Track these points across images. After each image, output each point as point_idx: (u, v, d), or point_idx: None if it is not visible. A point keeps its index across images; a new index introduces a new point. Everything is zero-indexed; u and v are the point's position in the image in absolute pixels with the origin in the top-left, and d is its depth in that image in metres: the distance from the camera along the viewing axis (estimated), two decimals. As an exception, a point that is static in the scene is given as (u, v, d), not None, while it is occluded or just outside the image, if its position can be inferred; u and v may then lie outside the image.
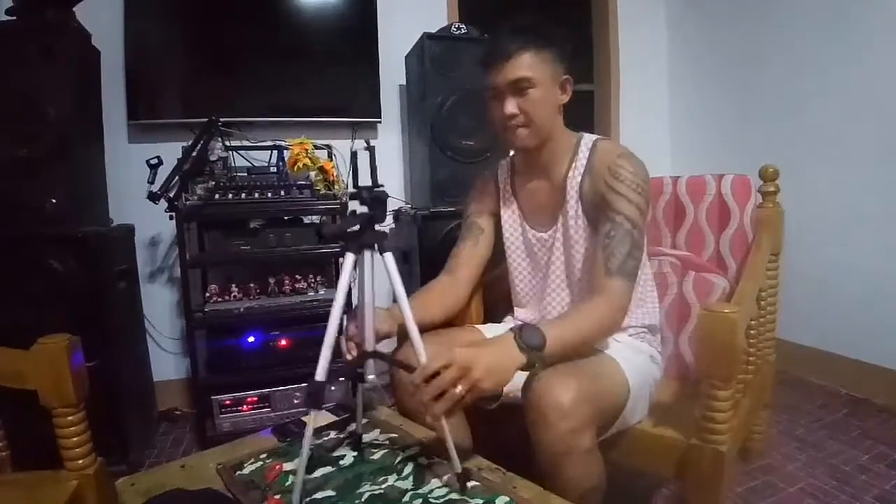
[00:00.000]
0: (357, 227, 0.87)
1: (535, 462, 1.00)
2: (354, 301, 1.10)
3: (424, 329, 1.03)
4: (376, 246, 0.89)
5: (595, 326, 1.09)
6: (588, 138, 1.28)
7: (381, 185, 0.91)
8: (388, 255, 0.89)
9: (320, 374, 0.83)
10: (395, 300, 0.93)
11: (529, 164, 1.33)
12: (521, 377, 1.28)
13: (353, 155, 0.93)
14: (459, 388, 0.86)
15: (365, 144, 0.90)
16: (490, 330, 1.42)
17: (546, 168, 1.29)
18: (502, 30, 1.20)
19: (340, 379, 1.84)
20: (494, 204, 1.43)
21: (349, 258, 0.86)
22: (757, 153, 2.05)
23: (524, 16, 1.22)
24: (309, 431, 0.84)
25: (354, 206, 0.94)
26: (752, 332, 1.34)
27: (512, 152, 1.40)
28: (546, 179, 1.30)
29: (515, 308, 1.46)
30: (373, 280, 0.94)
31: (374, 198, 0.88)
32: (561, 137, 1.27)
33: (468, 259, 1.41)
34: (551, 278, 1.33)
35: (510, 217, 1.39)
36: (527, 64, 1.16)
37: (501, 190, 1.41)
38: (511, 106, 1.18)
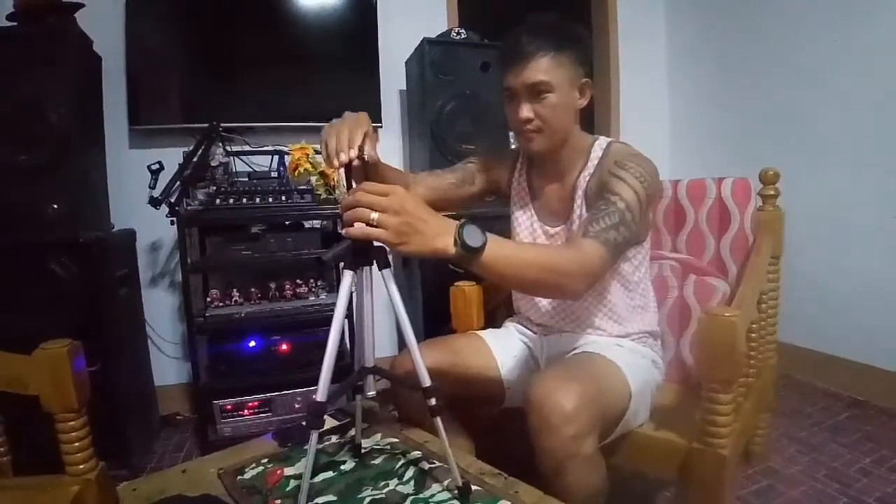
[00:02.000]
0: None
1: (537, 467, 1.00)
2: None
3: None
4: (375, 262, 0.87)
5: (547, 265, 0.99)
6: (603, 140, 1.26)
7: None
8: (387, 271, 0.87)
9: (321, 394, 0.81)
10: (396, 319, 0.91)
11: (544, 167, 1.31)
12: (513, 381, 1.29)
13: (347, 166, 0.91)
14: (374, 216, 0.80)
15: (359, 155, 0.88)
16: (492, 336, 1.42)
17: (561, 172, 1.28)
18: (522, 28, 1.16)
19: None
20: (501, 179, 1.41)
21: (347, 275, 0.85)
22: (757, 156, 2.06)
23: (545, 14, 1.18)
24: (311, 452, 0.83)
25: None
26: (752, 335, 1.34)
27: None
28: (559, 182, 1.29)
29: (517, 311, 1.46)
30: (372, 296, 0.94)
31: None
32: (576, 141, 1.25)
33: (439, 185, 1.36)
34: None
35: (523, 213, 1.37)
36: (545, 68, 1.12)
37: (516, 180, 1.39)
38: (526, 110, 1.16)
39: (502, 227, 1.37)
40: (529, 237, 1.36)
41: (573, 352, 1.25)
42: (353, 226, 0.81)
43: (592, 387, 1.03)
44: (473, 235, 0.87)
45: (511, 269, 0.94)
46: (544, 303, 1.36)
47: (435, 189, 1.33)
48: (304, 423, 0.87)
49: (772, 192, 1.55)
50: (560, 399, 0.96)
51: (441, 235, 0.86)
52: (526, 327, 1.43)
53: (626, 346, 1.27)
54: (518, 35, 1.16)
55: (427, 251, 0.85)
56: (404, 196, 0.83)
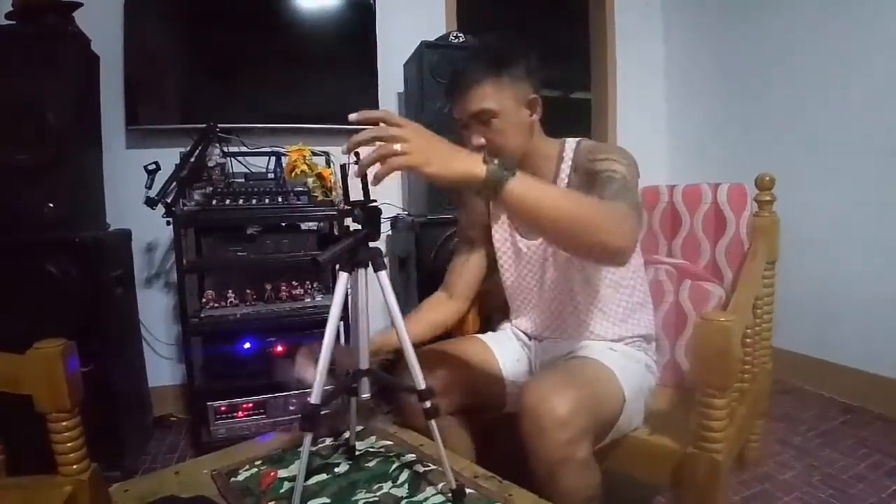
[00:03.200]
0: (352, 248, 0.85)
1: (531, 472, 1.00)
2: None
3: (417, 346, 0.96)
4: (370, 264, 0.87)
5: (588, 205, 0.95)
6: (572, 141, 1.26)
7: (374, 200, 0.88)
8: (383, 273, 0.87)
9: (315, 396, 0.81)
10: (392, 321, 0.91)
11: None
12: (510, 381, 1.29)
13: (343, 168, 0.91)
14: (398, 147, 0.80)
15: (355, 158, 0.88)
16: (493, 339, 1.42)
17: None
18: (461, 57, 1.19)
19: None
20: (485, 213, 1.41)
21: (343, 277, 0.84)
22: (754, 162, 2.06)
23: (483, 37, 1.20)
24: (305, 454, 0.83)
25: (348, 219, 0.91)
26: (748, 340, 1.35)
27: None
28: None
29: (513, 318, 1.46)
30: (367, 298, 0.93)
31: (368, 215, 0.87)
32: (541, 151, 1.25)
33: (461, 272, 1.41)
34: (546, 284, 1.32)
35: (500, 227, 1.38)
36: (486, 95, 1.13)
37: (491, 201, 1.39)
38: (476, 138, 1.16)
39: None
40: (509, 250, 1.37)
41: (567, 356, 1.25)
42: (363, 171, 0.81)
43: (586, 392, 1.03)
44: (503, 160, 0.86)
45: (546, 202, 0.89)
46: (537, 312, 1.36)
47: (469, 273, 1.40)
48: (299, 422, 0.86)
49: (768, 198, 1.56)
50: (553, 404, 0.96)
51: (470, 157, 0.86)
52: (522, 331, 1.44)
53: (620, 350, 1.26)
54: (457, 65, 1.18)
55: (454, 173, 0.84)
56: (419, 126, 0.85)
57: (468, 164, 0.85)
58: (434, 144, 0.84)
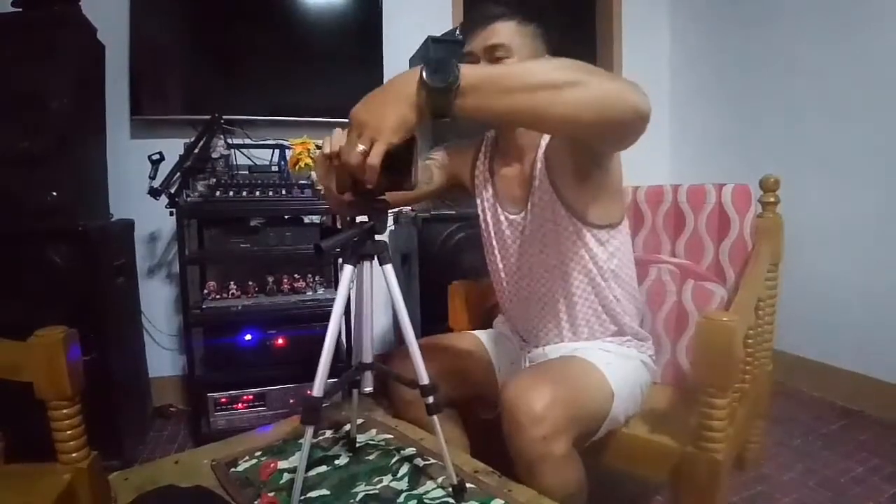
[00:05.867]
0: (356, 239, 0.83)
1: (514, 469, 0.99)
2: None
3: None
4: (376, 257, 0.86)
5: (555, 64, 0.84)
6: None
7: (382, 194, 0.86)
8: (388, 267, 0.86)
9: (317, 389, 0.80)
10: (394, 310, 0.89)
11: (507, 148, 1.27)
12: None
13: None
14: (361, 148, 0.76)
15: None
16: (487, 336, 1.41)
17: (521, 152, 1.24)
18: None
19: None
20: (463, 170, 1.36)
21: (347, 270, 0.83)
22: (758, 163, 2.06)
23: None
24: (306, 446, 0.82)
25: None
26: (749, 341, 1.34)
27: (493, 132, 1.34)
28: (519, 164, 1.25)
29: (497, 296, 1.41)
30: (372, 291, 0.93)
31: (374, 208, 0.86)
32: (526, 136, 1.21)
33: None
34: (522, 260, 1.27)
35: (484, 199, 1.33)
36: (506, 32, 1.11)
37: (480, 166, 1.34)
38: None
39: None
40: (491, 223, 1.32)
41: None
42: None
43: (565, 387, 1.01)
44: (444, 65, 0.78)
45: (506, 80, 0.80)
46: (518, 313, 1.33)
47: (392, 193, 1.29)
48: (301, 415, 0.86)
49: (772, 200, 1.56)
50: (530, 400, 0.95)
51: (405, 78, 0.79)
52: (514, 331, 1.41)
53: (612, 350, 1.23)
54: (484, 3, 1.15)
55: (402, 113, 0.77)
56: (352, 112, 0.79)
57: (410, 80, 0.77)
58: (370, 112, 0.77)
